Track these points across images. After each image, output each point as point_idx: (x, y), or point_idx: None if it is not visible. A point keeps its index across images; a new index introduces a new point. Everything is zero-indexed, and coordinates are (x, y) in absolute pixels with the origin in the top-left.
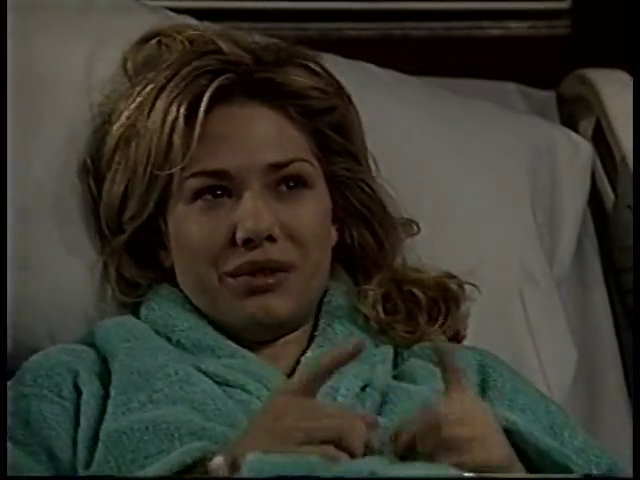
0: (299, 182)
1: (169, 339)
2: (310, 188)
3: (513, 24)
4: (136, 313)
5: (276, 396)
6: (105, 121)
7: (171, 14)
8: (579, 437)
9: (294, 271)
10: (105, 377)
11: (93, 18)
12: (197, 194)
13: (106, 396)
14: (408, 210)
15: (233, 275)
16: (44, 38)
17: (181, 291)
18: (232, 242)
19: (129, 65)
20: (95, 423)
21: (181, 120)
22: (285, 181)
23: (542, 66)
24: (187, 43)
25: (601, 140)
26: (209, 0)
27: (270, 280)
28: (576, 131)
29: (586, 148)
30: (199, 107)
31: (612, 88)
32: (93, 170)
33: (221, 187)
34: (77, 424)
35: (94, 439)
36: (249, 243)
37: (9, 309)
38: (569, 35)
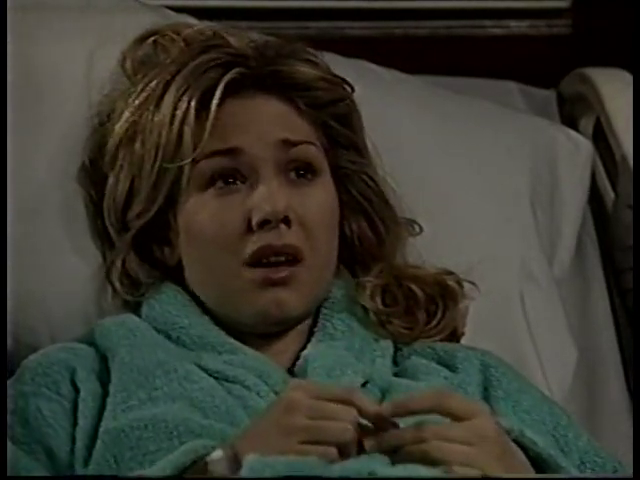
0: (308, 170)
1: (169, 337)
2: (319, 176)
3: (513, 23)
4: (137, 313)
5: (289, 392)
6: (104, 121)
7: (171, 13)
8: (583, 438)
9: (305, 263)
10: (104, 375)
11: (93, 17)
12: (209, 181)
13: (104, 394)
14: (408, 209)
15: (249, 264)
16: (44, 37)
17: (184, 289)
18: (248, 228)
19: (128, 64)
20: (93, 421)
21: (192, 112)
22: (295, 169)
23: (542, 65)
24: (183, 43)
25: (601, 139)
26: None
27: (283, 274)
28: (576, 130)
29: (586, 147)
30: (210, 100)
31: (612, 87)
32: (93, 170)
33: (233, 172)
34: (75, 422)
35: (93, 437)
36: (266, 225)
37: (10, 308)
38: (569, 34)
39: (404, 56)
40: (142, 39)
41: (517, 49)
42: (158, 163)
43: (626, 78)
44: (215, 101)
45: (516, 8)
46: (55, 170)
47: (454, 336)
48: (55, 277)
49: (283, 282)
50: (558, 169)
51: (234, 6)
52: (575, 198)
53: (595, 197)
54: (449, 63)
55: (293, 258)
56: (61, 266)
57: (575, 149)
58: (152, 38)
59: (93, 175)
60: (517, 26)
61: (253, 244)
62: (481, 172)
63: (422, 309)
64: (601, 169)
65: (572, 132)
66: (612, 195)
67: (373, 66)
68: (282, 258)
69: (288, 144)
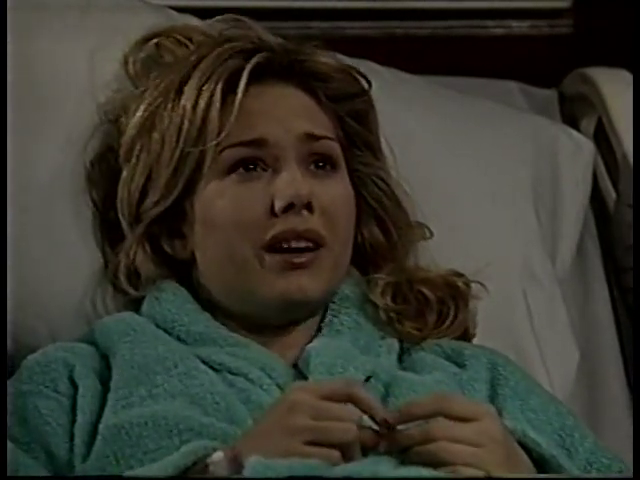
0: (328, 162)
1: (170, 334)
2: (338, 170)
3: (515, 23)
4: (137, 312)
5: (292, 392)
6: (112, 119)
7: (173, 13)
8: (589, 439)
9: (326, 248)
10: (104, 373)
11: (94, 17)
12: (231, 168)
13: (104, 391)
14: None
15: (270, 248)
16: (45, 37)
17: (187, 287)
18: (270, 213)
19: (130, 65)
20: (92, 417)
21: (218, 96)
22: (315, 161)
23: (544, 65)
24: (190, 45)
25: (603, 139)
26: None
27: (304, 258)
28: (578, 130)
29: (588, 146)
30: (236, 85)
31: (613, 87)
32: (95, 170)
33: (256, 159)
34: (74, 419)
35: (91, 434)
36: (290, 210)
37: (10, 308)
38: (570, 34)
39: (405, 56)
40: (144, 40)
41: (518, 49)
42: (179, 148)
43: (627, 78)
44: (242, 84)
45: (517, 8)
46: (56, 170)
47: (465, 337)
48: (55, 277)
49: (304, 266)
50: (560, 168)
51: (236, 6)
52: (576, 198)
53: (596, 197)
54: (450, 63)
55: (314, 244)
56: (61, 266)
57: (577, 149)
58: (155, 40)
59: (96, 174)
60: (518, 26)
61: (274, 228)
62: (483, 172)
63: (433, 311)
64: (602, 169)
65: (574, 132)
66: (613, 195)
67: (375, 66)
68: (303, 244)
69: (311, 138)
